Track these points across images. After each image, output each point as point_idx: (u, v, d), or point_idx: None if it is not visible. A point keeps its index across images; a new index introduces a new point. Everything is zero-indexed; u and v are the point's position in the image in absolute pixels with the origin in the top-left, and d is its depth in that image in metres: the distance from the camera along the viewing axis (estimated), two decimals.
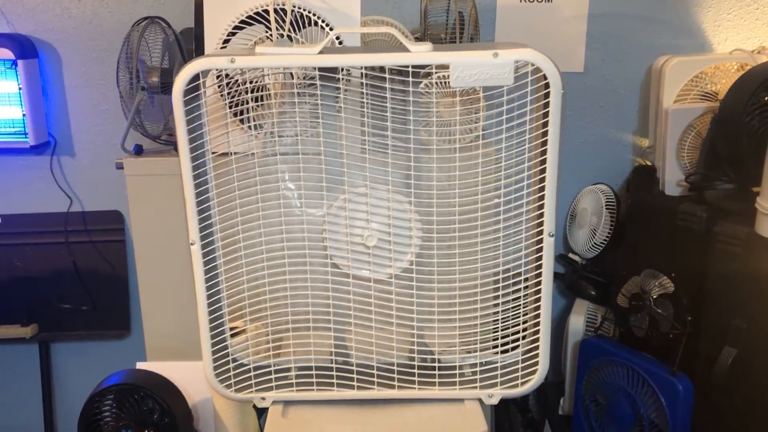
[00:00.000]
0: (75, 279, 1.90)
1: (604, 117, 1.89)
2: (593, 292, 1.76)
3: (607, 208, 1.74)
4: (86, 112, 1.87)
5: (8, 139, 1.81)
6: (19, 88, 1.77)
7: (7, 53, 1.73)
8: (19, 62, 1.74)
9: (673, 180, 1.59)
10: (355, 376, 1.15)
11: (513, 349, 1.15)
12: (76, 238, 1.89)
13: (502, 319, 1.13)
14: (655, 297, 1.46)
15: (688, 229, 1.47)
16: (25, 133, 1.80)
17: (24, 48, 1.76)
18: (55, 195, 1.89)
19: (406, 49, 1.01)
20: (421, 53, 1.01)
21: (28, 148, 1.80)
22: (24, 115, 1.78)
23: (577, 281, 1.79)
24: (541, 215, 1.07)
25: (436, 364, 1.15)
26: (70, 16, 1.80)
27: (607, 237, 1.74)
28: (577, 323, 1.75)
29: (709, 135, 1.51)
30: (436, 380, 1.15)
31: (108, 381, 1.35)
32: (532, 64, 1.01)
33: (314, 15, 1.27)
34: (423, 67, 1.04)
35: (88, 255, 1.90)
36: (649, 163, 1.81)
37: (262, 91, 1.11)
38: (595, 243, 1.76)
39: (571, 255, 1.84)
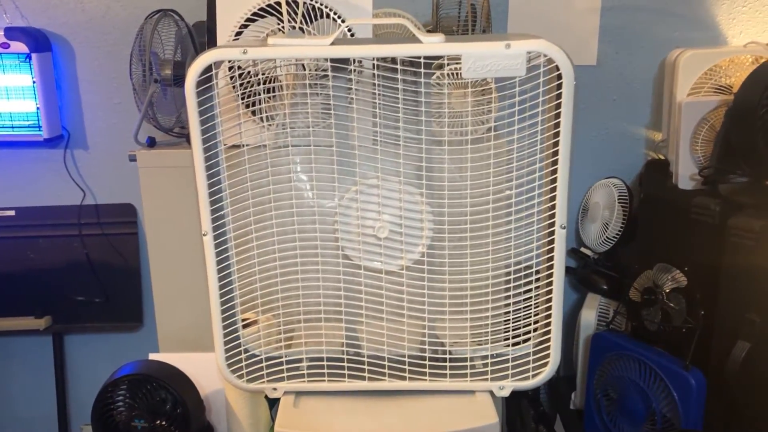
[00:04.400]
0: (88, 271, 1.91)
1: (617, 110, 1.88)
2: (605, 287, 1.75)
3: (619, 202, 1.73)
4: (99, 105, 1.88)
5: (22, 133, 1.82)
6: (33, 82, 1.78)
7: (21, 47, 1.74)
8: (33, 56, 1.76)
9: (686, 174, 1.58)
10: (366, 367, 1.15)
11: (524, 341, 1.14)
12: (90, 231, 1.91)
13: (513, 311, 1.13)
14: (667, 291, 1.45)
15: (701, 223, 1.46)
16: (39, 127, 1.81)
17: (38, 42, 1.77)
18: (68, 188, 1.91)
19: (418, 41, 1.01)
20: (432, 44, 1.01)
21: (42, 141, 1.82)
22: (38, 108, 1.80)
23: (589, 275, 1.79)
24: (553, 207, 1.06)
25: (447, 356, 1.15)
26: (84, 9, 1.81)
27: (619, 231, 1.73)
28: (589, 317, 1.74)
29: (722, 128, 1.50)
30: (447, 372, 1.15)
31: (121, 371, 1.36)
32: (545, 55, 1.00)
33: (326, 7, 1.28)
34: (435, 58, 1.03)
35: (101, 247, 1.91)
36: (662, 157, 1.79)
37: (274, 83, 1.12)
38: (607, 237, 1.75)
39: (583, 249, 1.83)
